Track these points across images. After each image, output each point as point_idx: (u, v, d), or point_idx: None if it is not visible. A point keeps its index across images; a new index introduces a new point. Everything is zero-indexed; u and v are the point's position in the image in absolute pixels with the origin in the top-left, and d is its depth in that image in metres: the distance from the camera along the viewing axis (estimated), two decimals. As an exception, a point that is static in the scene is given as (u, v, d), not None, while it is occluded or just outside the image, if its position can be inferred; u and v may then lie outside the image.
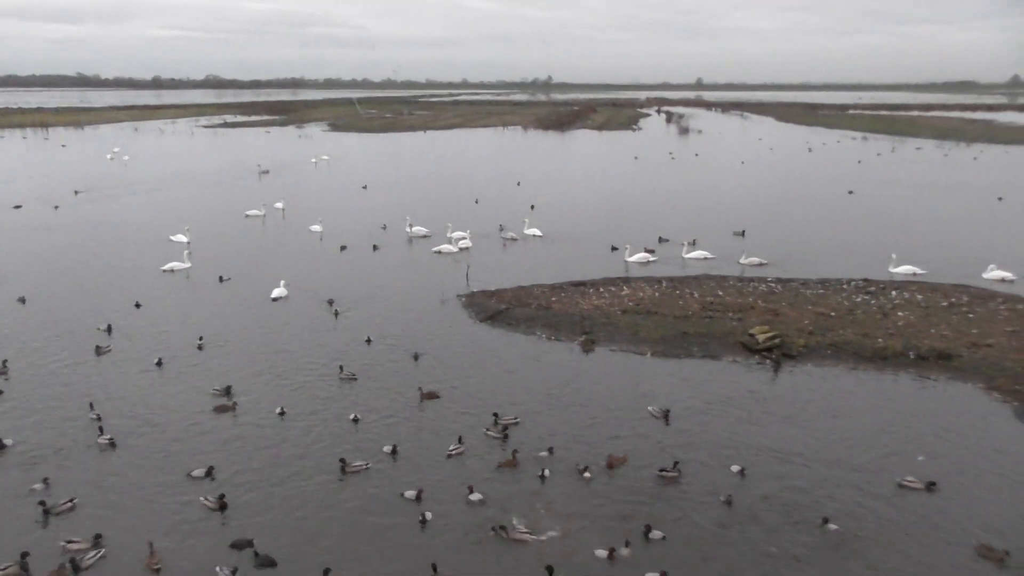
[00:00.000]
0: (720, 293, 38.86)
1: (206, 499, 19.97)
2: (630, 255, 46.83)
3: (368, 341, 31.81)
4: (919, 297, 38.12)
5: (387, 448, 22.75)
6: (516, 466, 21.97)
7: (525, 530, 18.16)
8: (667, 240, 51.02)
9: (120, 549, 18.22)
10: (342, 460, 21.84)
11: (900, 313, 35.48)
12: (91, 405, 25.59)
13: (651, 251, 48.01)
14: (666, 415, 24.96)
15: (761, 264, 45.41)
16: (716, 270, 44.11)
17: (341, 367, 29.01)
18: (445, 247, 49.41)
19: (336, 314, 34.38)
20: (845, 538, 18.62)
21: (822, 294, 38.86)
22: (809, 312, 35.66)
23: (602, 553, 17.95)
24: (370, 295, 39.12)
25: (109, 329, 33.45)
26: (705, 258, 46.99)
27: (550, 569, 17.09)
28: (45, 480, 21.00)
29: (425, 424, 24.70)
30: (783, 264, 45.43)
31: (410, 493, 20.28)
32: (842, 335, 32.39)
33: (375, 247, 49.84)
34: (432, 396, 26.63)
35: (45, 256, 47.65)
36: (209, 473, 21.42)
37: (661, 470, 21.39)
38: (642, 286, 40.29)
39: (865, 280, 41.36)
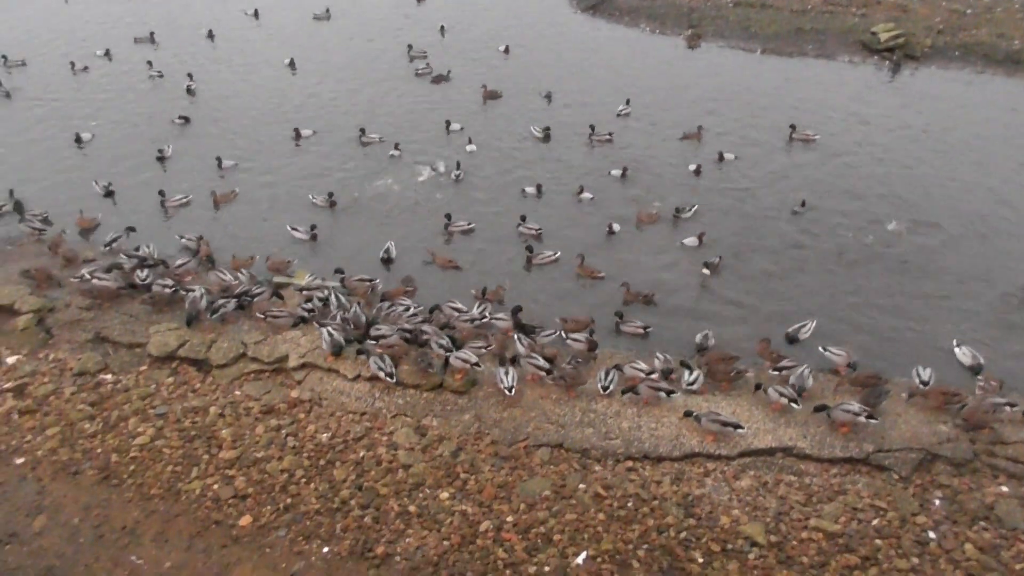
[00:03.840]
0: (845, -15, 35.61)
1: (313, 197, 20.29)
2: None
3: (506, 51, 29.90)
4: (1073, -6, 34.14)
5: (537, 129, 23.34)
6: (700, 139, 22.75)
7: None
8: None
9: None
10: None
11: (1047, 11, 32.09)
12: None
13: None
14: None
15: None
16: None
17: (410, 46, 29.85)
18: None
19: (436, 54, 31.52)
20: (911, 240, 18.15)
21: (961, -12, 35.19)
22: (942, 8, 32.55)
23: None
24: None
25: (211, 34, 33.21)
26: None
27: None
28: (235, 165, 21.87)
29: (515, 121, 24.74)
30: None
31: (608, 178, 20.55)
32: (974, 35, 29.79)
33: None
34: (494, 95, 25.81)
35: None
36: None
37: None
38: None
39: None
